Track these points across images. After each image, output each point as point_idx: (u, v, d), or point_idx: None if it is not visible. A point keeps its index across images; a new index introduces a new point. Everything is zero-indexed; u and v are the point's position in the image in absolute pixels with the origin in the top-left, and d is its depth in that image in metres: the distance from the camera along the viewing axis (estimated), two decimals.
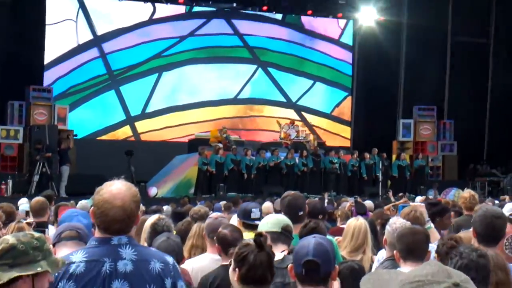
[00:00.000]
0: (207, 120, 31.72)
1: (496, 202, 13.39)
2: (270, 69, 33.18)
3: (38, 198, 8.93)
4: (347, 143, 34.11)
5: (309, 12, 32.66)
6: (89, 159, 27.22)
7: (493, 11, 34.89)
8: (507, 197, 17.93)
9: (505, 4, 34.19)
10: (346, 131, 34.67)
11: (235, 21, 32.72)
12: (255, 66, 33.04)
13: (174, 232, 6.23)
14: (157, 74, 31.34)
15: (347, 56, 34.69)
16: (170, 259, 3.68)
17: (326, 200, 18.01)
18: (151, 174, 27.48)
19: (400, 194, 22.92)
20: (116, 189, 3.55)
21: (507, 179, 30.91)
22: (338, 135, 33.98)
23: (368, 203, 12.97)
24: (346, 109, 34.74)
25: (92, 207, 3.63)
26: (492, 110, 34.61)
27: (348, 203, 11.34)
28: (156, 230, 5.80)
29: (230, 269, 3.92)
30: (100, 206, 3.52)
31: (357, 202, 10.60)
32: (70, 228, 4.61)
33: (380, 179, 26.65)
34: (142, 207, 9.56)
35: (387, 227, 5.84)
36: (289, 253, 4.77)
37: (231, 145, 26.31)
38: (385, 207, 11.53)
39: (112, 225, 3.51)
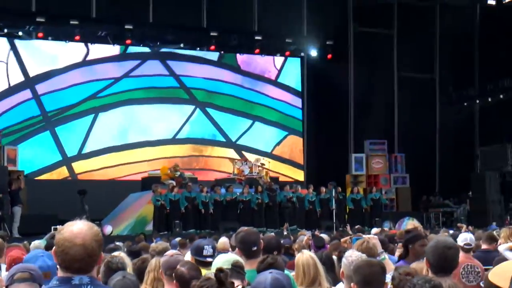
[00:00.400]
0: (146, 160, 31.51)
1: (451, 231, 13.57)
2: (209, 109, 33.06)
3: None
4: (300, 178, 34.20)
5: (257, 51, 32.78)
6: (41, 199, 26.92)
7: (437, 46, 35.64)
8: (464, 226, 18.19)
9: (448, 39, 34.98)
10: (289, 170, 34.40)
11: (170, 62, 32.64)
12: (193, 107, 32.92)
13: (129, 270, 6.23)
14: (93, 115, 31.01)
15: (285, 95, 34.63)
16: None
17: (285, 233, 18.06)
18: (105, 212, 27.28)
19: (357, 226, 23.10)
20: (77, 228, 3.53)
21: (460, 210, 31.39)
22: (280, 173, 33.32)
23: (324, 236, 13.06)
24: (286, 148, 34.64)
25: (54, 247, 3.60)
26: (442, 142, 35.22)
27: (305, 236, 11.38)
28: (110, 268, 5.79)
29: None
30: (61, 244, 3.50)
31: (315, 236, 10.64)
32: (22, 270, 4.54)
33: (335, 212, 26.78)
34: None
35: (343, 260, 5.89)
36: None
37: (186, 182, 26.30)
38: (342, 240, 11.62)
39: (72, 264, 3.49)
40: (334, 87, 33.16)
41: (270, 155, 33.42)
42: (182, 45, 31.67)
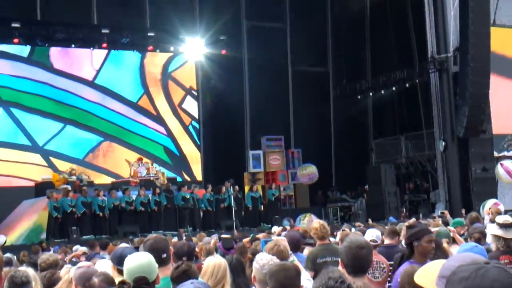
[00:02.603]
0: None
1: (353, 229, 13.62)
2: (14, 110, 30.28)
3: None
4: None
5: (150, 48, 32.29)
6: None
7: (329, 40, 36.05)
8: (361, 225, 18.33)
9: (339, 32, 35.47)
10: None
11: None
12: None
13: (35, 284, 5.86)
14: None
15: (99, 97, 32.14)
16: None
17: (183, 237, 17.83)
18: None
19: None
20: None
21: (357, 203, 31.84)
22: None
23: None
24: (101, 154, 32.05)
25: None
26: (336, 136, 35.65)
27: (212, 239, 11.19)
28: (15, 283, 5.44)
29: None
30: None
31: (224, 238, 10.46)
32: None
33: (234, 211, 26.65)
34: None
35: (254, 264, 5.75)
36: None
37: (83, 185, 25.77)
38: (244, 240, 11.47)
39: None
40: (229, 84, 33.08)
41: (82, 162, 31.31)
42: (73, 45, 30.75)
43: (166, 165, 32.35)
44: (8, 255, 12.38)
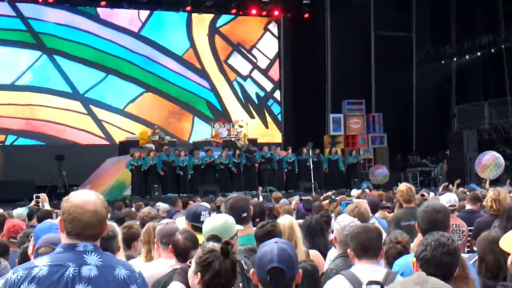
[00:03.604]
0: None
1: (432, 194, 13.56)
2: (57, 57, 30.64)
3: None
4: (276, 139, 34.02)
5: (233, 11, 32.41)
6: (17, 165, 26.73)
7: (413, 3, 35.48)
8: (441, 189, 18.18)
9: None
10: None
11: (20, 4, 30.04)
12: (39, 53, 30.45)
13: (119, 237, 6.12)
14: None
15: (144, 49, 32.21)
16: (136, 268, 3.70)
17: (260, 196, 18.03)
18: (83, 177, 27.10)
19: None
20: (86, 195, 3.60)
21: (437, 169, 31.53)
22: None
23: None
24: (141, 106, 32.23)
25: (61, 216, 3.61)
26: (418, 101, 35.24)
27: (294, 200, 11.31)
28: (102, 237, 5.65)
29: (190, 272, 3.89)
30: (72, 211, 3.52)
31: (304, 200, 10.57)
32: (46, 244, 4.54)
33: (312, 174, 26.73)
34: None
35: (335, 225, 5.85)
36: None
37: (165, 144, 26.20)
38: (324, 202, 11.56)
39: (84, 230, 3.54)
40: (311, 48, 32.99)
41: (121, 112, 31.71)
42: (158, 8, 31.07)
43: (209, 120, 32.05)
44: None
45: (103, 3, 30.20)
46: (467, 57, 33.53)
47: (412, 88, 35.42)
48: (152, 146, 25.99)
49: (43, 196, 11.85)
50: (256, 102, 34.61)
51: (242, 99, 34.23)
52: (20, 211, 10.89)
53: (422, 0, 35.33)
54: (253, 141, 29.25)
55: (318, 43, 33.55)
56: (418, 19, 35.62)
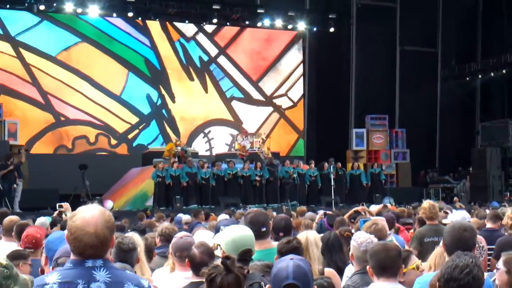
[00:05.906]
0: None
1: (454, 211, 13.50)
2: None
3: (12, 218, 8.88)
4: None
5: (259, 24, 32.44)
6: (42, 174, 26.91)
7: (439, 19, 35.43)
8: (463, 206, 18.13)
9: (451, 12, 34.78)
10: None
11: None
12: None
13: (140, 249, 6.18)
14: None
15: None
16: (145, 282, 3.71)
17: (284, 210, 18.02)
18: (106, 187, 27.26)
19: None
20: (89, 215, 3.60)
21: (460, 185, 31.40)
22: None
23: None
24: (73, 54, 30.22)
25: (66, 232, 3.67)
26: (442, 117, 35.14)
27: (318, 214, 11.32)
28: (121, 249, 5.73)
29: None
30: (73, 232, 3.58)
31: (329, 215, 10.57)
32: (66, 255, 4.49)
33: (333, 188, 26.62)
34: None
35: (352, 242, 5.87)
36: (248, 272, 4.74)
37: (188, 156, 26.26)
38: (345, 216, 11.52)
39: (85, 250, 3.57)
40: (336, 62, 33.02)
41: (53, 59, 29.85)
42: (186, 20, 31.25)
43: (145, 78, 31.36)
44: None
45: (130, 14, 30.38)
46: (492, 74, 33.40)
47: (436, 104, 35.34)
48: (176, 159, 25.95)
49: (66, 205, 11.96)
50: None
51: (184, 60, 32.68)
52: (43, 220, 10.93)
53: (449, 15, 35.25)
54: (275, 155, 29.28)
55: (343, 57, 33.58)
56: (444, 34, 35.56)
